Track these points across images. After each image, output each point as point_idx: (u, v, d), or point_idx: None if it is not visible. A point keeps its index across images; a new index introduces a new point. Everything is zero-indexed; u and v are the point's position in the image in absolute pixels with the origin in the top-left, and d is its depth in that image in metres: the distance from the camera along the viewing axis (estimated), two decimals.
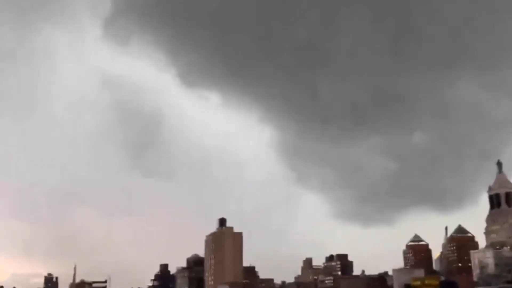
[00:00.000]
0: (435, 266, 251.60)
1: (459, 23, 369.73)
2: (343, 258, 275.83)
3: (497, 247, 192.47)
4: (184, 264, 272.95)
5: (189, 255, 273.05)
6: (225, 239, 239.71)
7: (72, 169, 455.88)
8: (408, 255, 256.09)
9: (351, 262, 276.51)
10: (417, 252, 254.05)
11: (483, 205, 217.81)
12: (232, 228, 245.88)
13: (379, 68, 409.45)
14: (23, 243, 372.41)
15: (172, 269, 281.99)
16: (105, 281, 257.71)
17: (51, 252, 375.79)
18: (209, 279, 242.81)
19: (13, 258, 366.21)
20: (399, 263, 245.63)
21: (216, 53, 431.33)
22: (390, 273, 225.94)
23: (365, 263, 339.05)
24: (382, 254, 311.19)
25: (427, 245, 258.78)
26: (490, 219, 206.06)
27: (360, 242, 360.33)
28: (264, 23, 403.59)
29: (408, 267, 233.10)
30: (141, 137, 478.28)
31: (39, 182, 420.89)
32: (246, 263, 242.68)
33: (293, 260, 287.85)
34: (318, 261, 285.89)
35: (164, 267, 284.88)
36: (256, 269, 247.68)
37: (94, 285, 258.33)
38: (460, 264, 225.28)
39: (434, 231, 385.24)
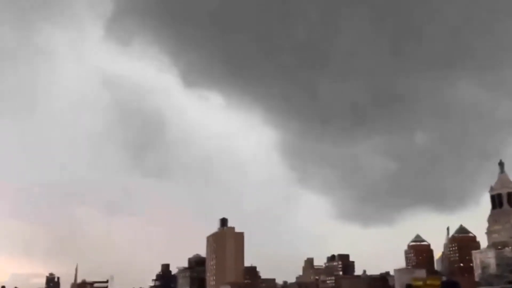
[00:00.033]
0: (436, 266, 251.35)
1: (459, 23, 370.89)
2: (344, 258, 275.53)
3: (499, 247, 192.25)
4: (186, 264, 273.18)
5: (190, 255, 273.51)
6: (227, 239, 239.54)
7: (72, 169, 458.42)
8: (410, 255, 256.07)
9: (353, 262, 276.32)
10: (419, 252, 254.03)
11: (485, 205, 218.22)
12: (233, 228, 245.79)
13: (379, 68, 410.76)
14: (23, 243, 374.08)
15: (174, 269, 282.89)
16: (107, 281, 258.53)
17: (51, 252, 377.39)
18: (210, 279, 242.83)
19: (13, 258, 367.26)
20: (401, 263, 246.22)
21: (216, 53, 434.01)
22: (391, 273, 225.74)
23: (366, 263, 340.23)
24: (383, 254, 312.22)
25: (428, 245, 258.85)
26: (492, 219, 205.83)
27: (361, 242, 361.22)
28: (264, 23, 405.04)
29: (409, 267, 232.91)
30: (141, 137, 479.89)
31: (39, 182, 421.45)
32: (247, 263, 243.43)
33: (294, 260, 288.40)
34: (320, 261, 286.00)
35: (166, 267, 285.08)
36: (258, 269, 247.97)
37: (95, 285, 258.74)
38: (462, 264, 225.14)
39: (435, 231, 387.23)
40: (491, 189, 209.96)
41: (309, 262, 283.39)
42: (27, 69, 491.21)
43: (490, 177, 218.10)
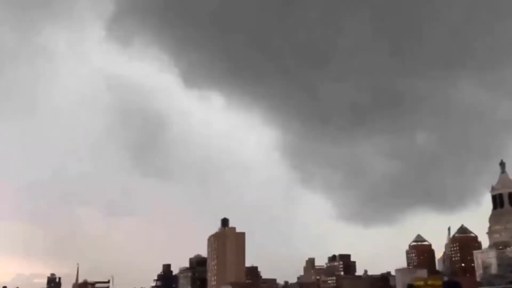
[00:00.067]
0: (438, 266, 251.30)
1: (459, 23, 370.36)
2: (345, 258, 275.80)
3: (500, 247, 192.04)
4: (187, 264, 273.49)
5: (191, 255, 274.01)
6: (228, 239, 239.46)
7: (72, 169, 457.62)
8: (411, 255, 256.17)
9: (354, 262, 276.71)
10: (420, 252, 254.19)
11: (486, 205, 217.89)
12: (234, 228, 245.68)
13: (379, 68, 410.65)
14: (23, 243, 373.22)
15: (175, 269, 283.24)
16: (108, 281, 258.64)
17: (52, 252, 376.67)
18: (211, 279, 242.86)
19: (13, 259, 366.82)
20: (402, 263, 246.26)
21: (217, 53, 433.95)
22: (393, 273, 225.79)
23: (368, 263, 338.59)
24: (384, 254, 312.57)
25: (430, 245, 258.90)
26: (493, 219, 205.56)
27: (362, 242, 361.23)
28: (264, 23, 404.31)
29: (411, 267, 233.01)
30: (142, 137, 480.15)
31: (39, 182, 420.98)
32: (248, 263, 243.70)
33: (295, 260, 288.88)
34: (321, 261, 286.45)
35: (167, 267, 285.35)
36: (259, 269, 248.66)
37: (96, 285, 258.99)
38: (463, 264, 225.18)
39: (437, 231, 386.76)
40: (492, 189, 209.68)
41: (310, 262, 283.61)
42: (28, 69, 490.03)
43: (491, 177, 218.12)
